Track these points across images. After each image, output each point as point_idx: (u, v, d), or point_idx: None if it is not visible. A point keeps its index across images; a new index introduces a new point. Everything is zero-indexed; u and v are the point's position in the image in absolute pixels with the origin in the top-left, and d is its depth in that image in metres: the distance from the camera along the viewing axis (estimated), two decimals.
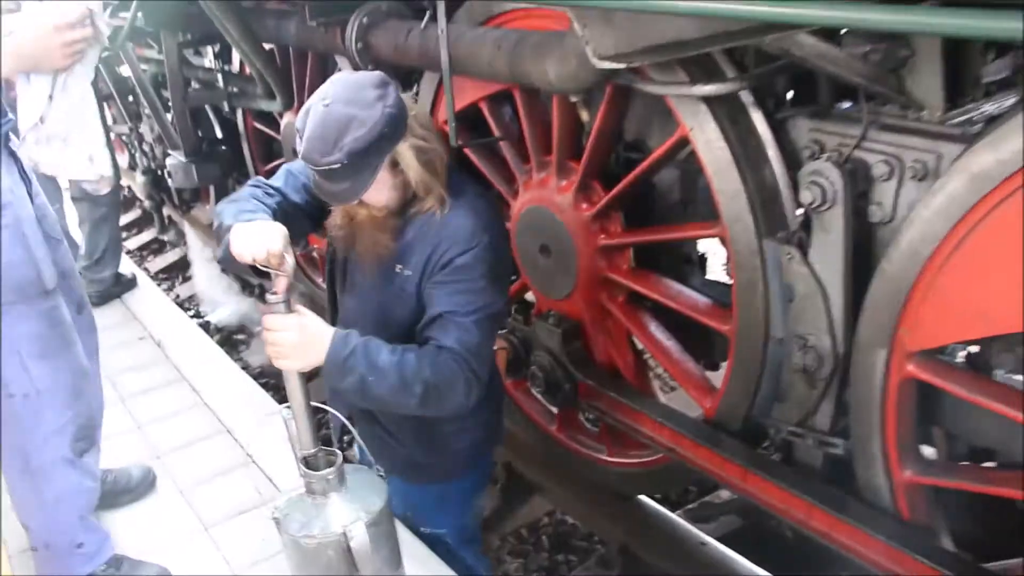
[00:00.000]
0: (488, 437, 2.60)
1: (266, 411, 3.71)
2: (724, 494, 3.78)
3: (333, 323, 2.41)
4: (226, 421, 3.75)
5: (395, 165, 2.13)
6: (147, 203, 6.39)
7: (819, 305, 2.42)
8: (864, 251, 2.37)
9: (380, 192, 2.16)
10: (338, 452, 2.16)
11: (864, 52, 2.35)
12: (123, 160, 7.96)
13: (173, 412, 3.92)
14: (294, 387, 2.13)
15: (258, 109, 4.43)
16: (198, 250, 6.38)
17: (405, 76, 3.59)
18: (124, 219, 6.75)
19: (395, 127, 2.06)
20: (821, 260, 2.40)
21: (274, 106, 4.09)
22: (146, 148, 5.88)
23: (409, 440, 2.46)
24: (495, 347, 2.64)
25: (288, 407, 2.16)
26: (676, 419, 2.91)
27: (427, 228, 2.21)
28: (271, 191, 2.34)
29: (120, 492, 3.16)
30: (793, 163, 2.51)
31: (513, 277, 3.40)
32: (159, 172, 5.91)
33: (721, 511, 3.63)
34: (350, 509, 2.10)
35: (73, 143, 2.63)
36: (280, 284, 2.05)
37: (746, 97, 2.55)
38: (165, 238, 7.26)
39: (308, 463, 2.15)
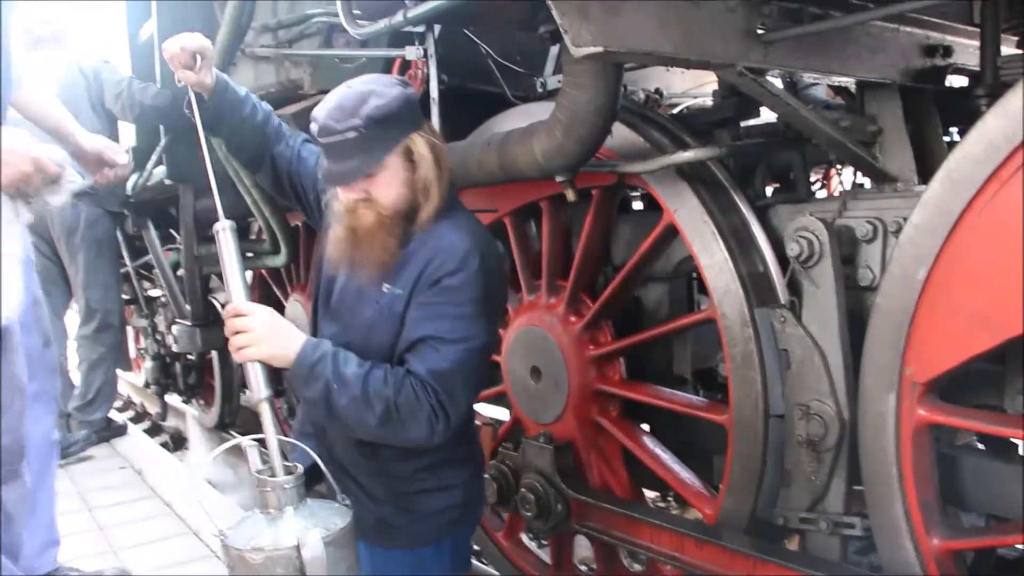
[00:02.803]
0: (467, 502, 2.21)
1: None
2: None
3: None
4: (193, 525, 3.42)
5: (409, 157, 1.94)
6: (153, 388, 6.20)
7: (818, 367, 2.21)
8: (858, 318, 2.19)
9: (390, 185, 1.94)
10: (298, 465, 1.84)
11: (835, 119, 2.37)
12: (139, 379, 7.97)
13: (142, 519, 3.60)
14: (258, 382, 1.85)
15: (265, 267, 4.38)
16: (197, 437, 6.10)
17: None
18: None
19: (412, 111, 1.94)
20: (815, 319, 2.22)
21: (279, 260, 4.04)
22: (158, 336, 5.83)
23: (381, 496, 2.11)
24: (479, 423, 2.37)
25: (252, 439, 1.88)
26: (675, 521, 2.55)
27: (419, 245, 1.98)
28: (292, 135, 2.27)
29: None
30: (779, 249, 2.41)
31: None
32: (167, 360, 5.81)
33: None
34: (307, 524, 1.75)
35: None
36: (184, 76, 1.99)
37: (726, 179, 2.50)
38: (163, 424, 6.96)
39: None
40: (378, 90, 1.90)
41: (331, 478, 1.95)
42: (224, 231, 1.91)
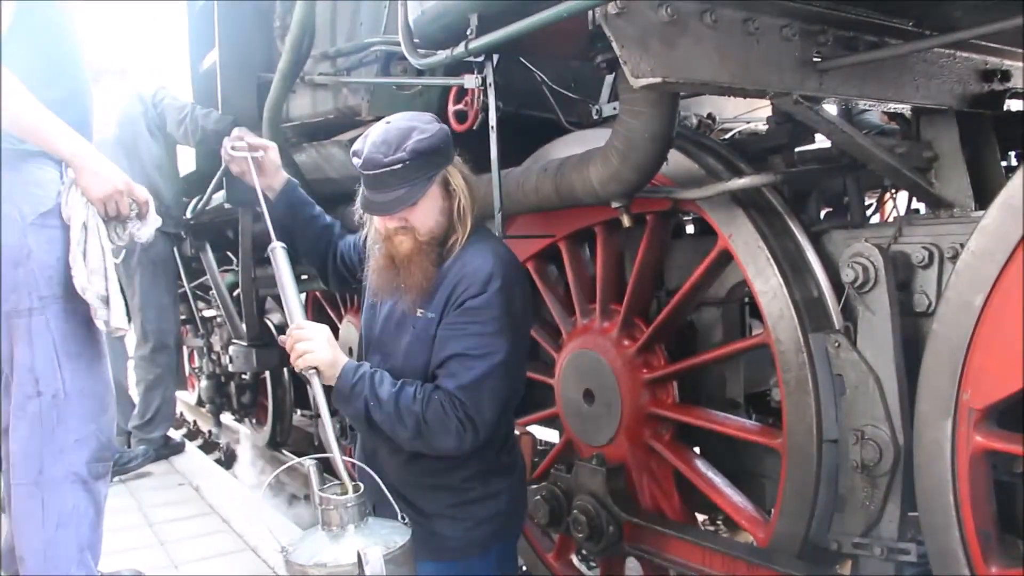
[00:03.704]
0: (512, 509, 2.35)
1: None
2: None
3: None
4: (251, 541, 3.55)
5: (446, 187, 2.13)
6: (207, 406, 6.38)
7: (873, 393, 2.23)
8: (913, 344, 2.21)
9: (429, 213, 2.12)
10: (360, 484, 1.92)
11: (891, 146, 2.40)
12: (192, 397, 8.18)
13: (201, 535, 3.76)
14: (321, 396, 2.05)
15: (320, 289, 4.51)
16: (249, 455, 6.26)
17: None
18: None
19: (448, 146, 2.12)
20: (870, 345, 2.25)
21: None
22: (214, 356, 5.99)
23: (432, 510, 2.23)
24: (517, 432, 2.48)
25: (313, 459, 1.98)
26: (727, 544, 2.59)
27: (448, 270, 2.15)
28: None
29: None
30: (833, 275, 2.44)
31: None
32: (222, 379, 5.97)
33: None
34: (368, 542, 1.82)
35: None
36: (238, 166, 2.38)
37: (781, 205, 2.54)
38: (218, 442, 7.13)
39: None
40: (420, 126, 2.07)
41: (390, 495, 2.03)
42: (277, 250, 2.19)
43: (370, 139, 2.07)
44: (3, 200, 2.37)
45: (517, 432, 2.50)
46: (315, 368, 2.05)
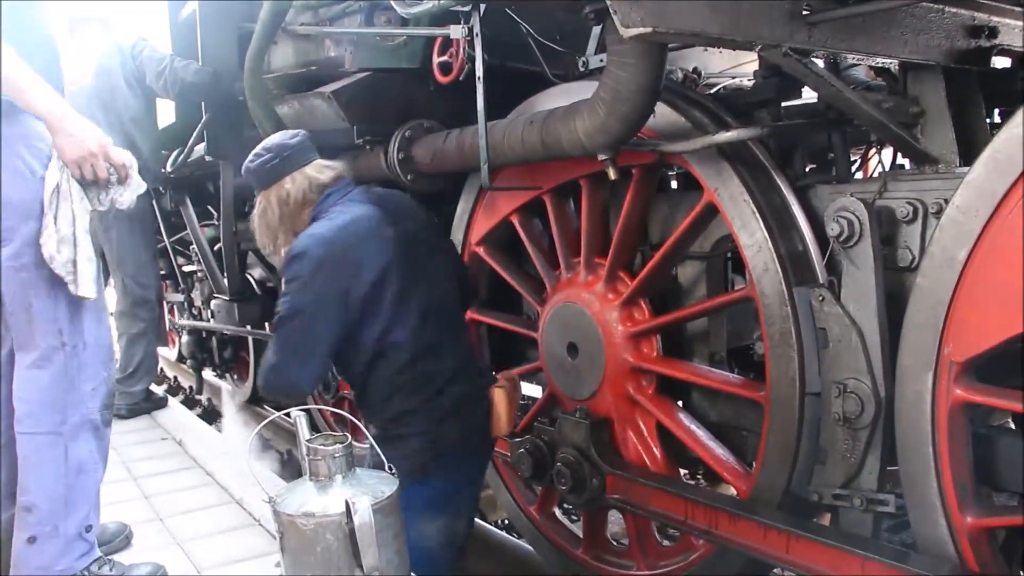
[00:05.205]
0: (426, 448, 2.63)
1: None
2: None
3: None
4: (235, 494, 3.59)
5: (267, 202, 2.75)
6: (189, 362, 6.36)
7: (855, 346, 2.24)
8: (896, 299, 2.23)
9: (256, 228, 2.82)
10: (347, 435, 1.93)
11: (878, 100, 2.39)
12: (172, 353, 8.13)
13: (185, 488, 3.82)
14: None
15: None
16: (230, 410, 6.27)
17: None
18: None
19: (257, 178, 2.78)
20: (854, 299, 2.25)
21: None
22: (195, 311, 5.95)
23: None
24: None
25: (301, 410, 1.97)
26: (709, 495, 2.62)
27: None
28: None
29: None
30: (818, 229, 2.45)
31: None
32: (203, 334, 5.94)
33: None
34: (355, 492, 1.83)
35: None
36: None
37: (767, 159, 2.53)
38: (199, 398, 7.14)
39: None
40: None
41: (375, 444, 2.04)
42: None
43: None
44: (7, 154, 2.36)
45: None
46: None
